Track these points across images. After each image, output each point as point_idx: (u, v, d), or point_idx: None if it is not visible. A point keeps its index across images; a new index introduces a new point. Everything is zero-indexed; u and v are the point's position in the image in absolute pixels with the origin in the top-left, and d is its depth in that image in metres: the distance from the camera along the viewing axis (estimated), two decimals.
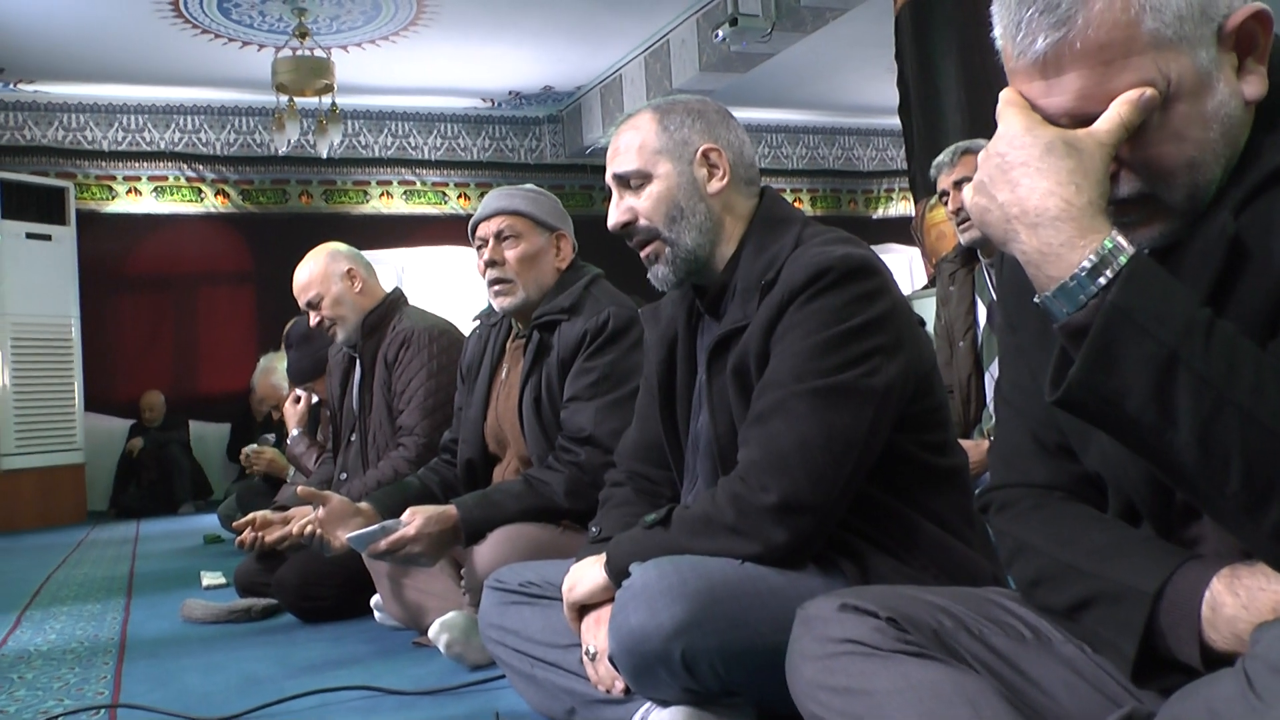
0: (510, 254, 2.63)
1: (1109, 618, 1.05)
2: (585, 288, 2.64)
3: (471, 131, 10.15)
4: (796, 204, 11.14)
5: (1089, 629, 1.09)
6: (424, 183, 9.97)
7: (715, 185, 1.77)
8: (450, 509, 2.45)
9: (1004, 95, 1.06)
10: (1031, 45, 1.03)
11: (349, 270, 3.42)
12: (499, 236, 2.65)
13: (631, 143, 1.79)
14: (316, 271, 3.41)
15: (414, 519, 2.41)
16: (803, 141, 11.50)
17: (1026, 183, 0.99)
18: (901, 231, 10.53)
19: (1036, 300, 1.01)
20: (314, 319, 3.41)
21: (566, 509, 2.43)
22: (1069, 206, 0.97)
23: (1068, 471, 1.20)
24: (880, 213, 11.72)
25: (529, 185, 2.84)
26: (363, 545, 2.42)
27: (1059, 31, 1.01)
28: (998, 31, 1.08)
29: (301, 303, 3.43)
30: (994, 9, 1.08)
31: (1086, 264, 0.96)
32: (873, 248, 1.75)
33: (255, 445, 4.91)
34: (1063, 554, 1.12)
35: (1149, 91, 1.00)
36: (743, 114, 10.67)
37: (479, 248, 2.68)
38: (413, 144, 9.95)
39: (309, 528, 2.66)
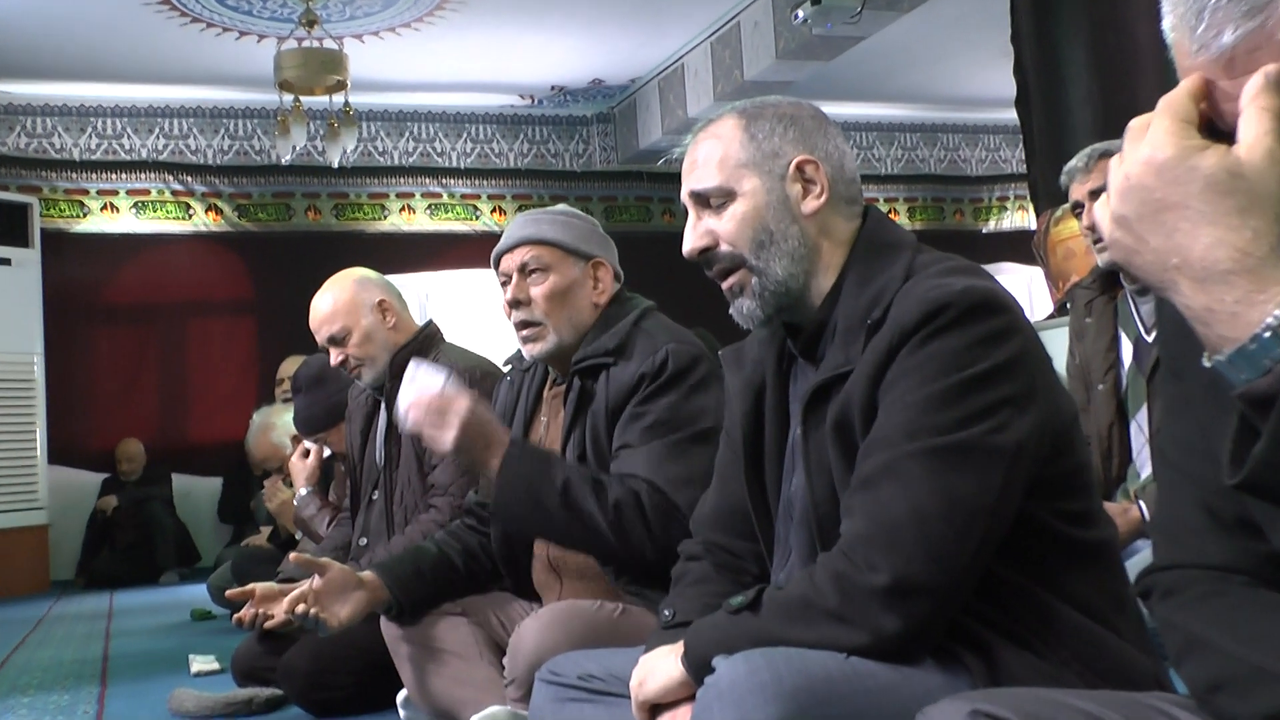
0: (537, 291, 2.65)
1: None
2: (634, 324, 2.64)
3: (507, 134, 10.26)
4: (890, 216, 11.10)
5: None
6: (452, 195, 10.08)
7: (811, 204, 1.78)
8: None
9: (1167, 99, 1.03)
10: (1217, 38, 1.00)
11: (381, 301, 3.46)
12: (523, 271, 2.67)
13: (712, 154, 1.80)
14: (343, 300, 3.44)
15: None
16: (898, 141, 11.51)
17: (1186, 228, 0.97)
18: (1018, 248, 10.45)
19: (1207, 363, 0.99)
20: (335, 358, 3.43)
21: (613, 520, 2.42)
22: (1244, 257, 0.95)
23: (1251, 551, 1.18)
24: (992, 225, 11.68)
25: (560, 207, 2.86)
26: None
27: (1253, 20, 0.98)
28: (1168, 23, 1.05)
29: (321, 338, 3.46)
30: None
31: (1271, 321, 0.93)
32: (983, 268, 1.74)
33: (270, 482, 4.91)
34: (1251, 653, 1.10)
35: (1272, 67, 0.96)
36: (826, 109, 10.48)
37: (502, 284, 2.71)
38: (439, 149, 10.08)
39: (300, 605, 2.67)
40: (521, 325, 2.66)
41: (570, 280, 2.67)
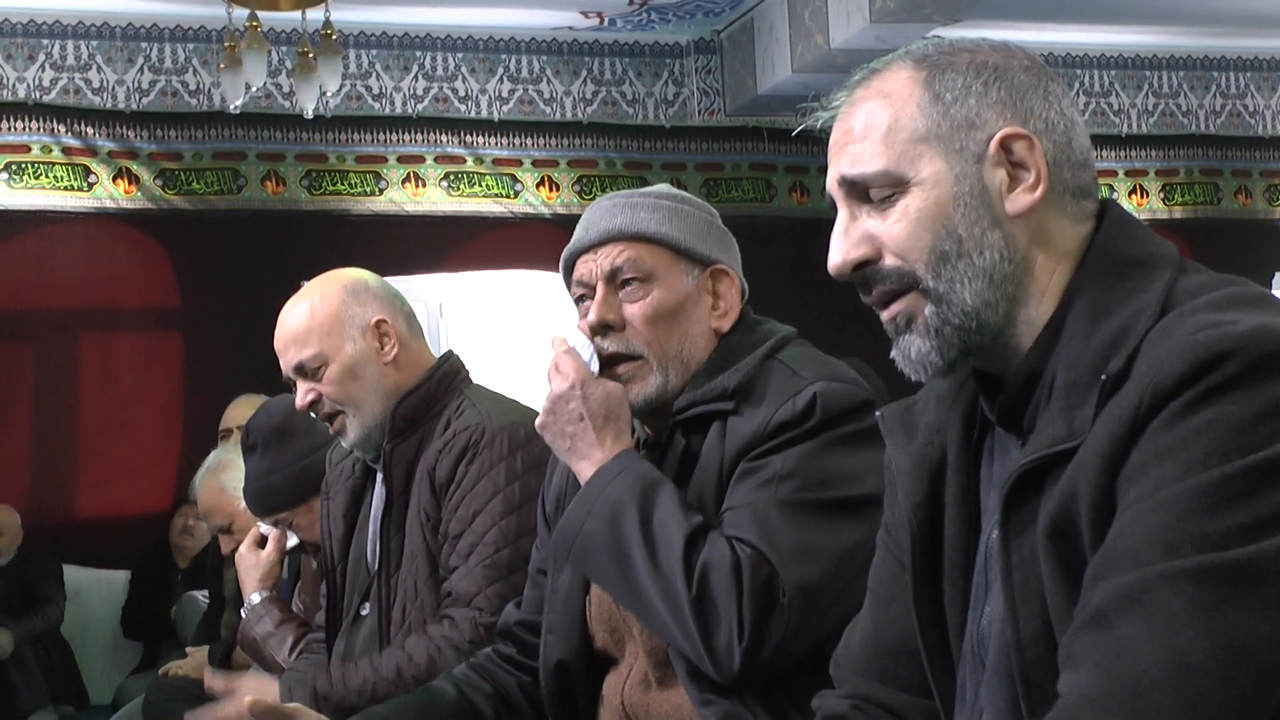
0: (635, 309, 2.66)
1: None
2: (766, 357, 2.64)
3: (564, 70, 10.29)
4: (1135, 200, 11.03)
5: None
6: (480, 159, 10.11)
7: (1022, 200, 1.78)
8: None
9: None
10: None
11: (379, 323, 3.49)
12: (613, 280, 2.68)
13: (875, 122, 1.82)
14: (322, 315, 3.46)
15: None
16: (1149, 83, 11.43)
17: None
18: None
19: None
20: (302, 397, 3.45)
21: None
22: None
23: None
24: None
25: (662, 187, 2.88)
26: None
27: None
28: None
29: (286, 365, 3.48)
30: None
31: None
32: None
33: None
34: None
35: None
36: (1032, 37, 10.54)
37: (579, 298, 2.73)
38: (461, 92, 10.12)
39: None
40: (611, 360, 2.67)
41: (683, 295, 2.68)
